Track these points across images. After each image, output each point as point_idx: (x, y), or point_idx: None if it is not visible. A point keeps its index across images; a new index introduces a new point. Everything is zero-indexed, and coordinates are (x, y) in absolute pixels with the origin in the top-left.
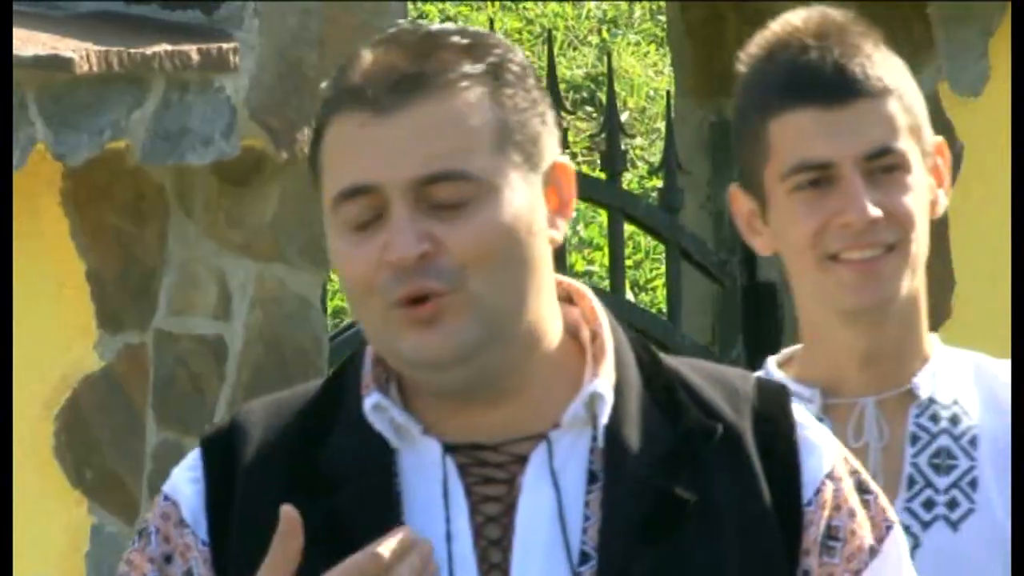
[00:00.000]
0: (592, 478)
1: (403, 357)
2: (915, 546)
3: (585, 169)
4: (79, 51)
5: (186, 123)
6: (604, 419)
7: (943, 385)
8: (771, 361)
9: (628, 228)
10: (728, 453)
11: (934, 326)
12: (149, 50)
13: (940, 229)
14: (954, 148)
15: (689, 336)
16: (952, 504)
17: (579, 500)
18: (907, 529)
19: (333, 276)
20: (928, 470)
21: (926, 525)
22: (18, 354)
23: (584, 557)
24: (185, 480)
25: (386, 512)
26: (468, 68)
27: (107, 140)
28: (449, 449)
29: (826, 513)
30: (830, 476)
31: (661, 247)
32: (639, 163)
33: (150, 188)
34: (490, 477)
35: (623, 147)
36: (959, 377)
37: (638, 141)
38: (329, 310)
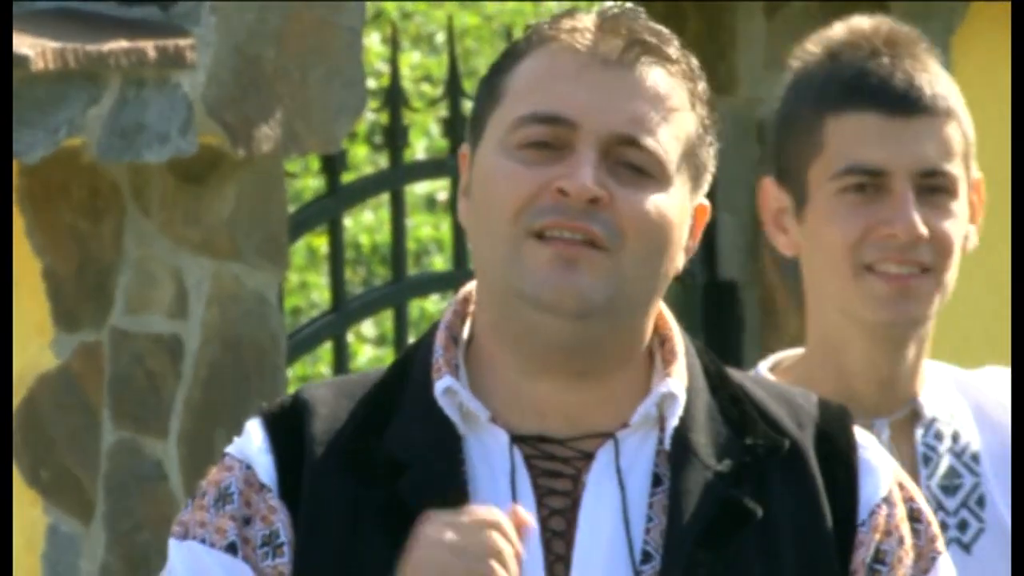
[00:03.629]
0: (656, 480)
1: (526, 291)
2: None
3: None
4: (35, 48)
5: (143, 120)
6: (675, 420)
7: (939, 402)
8: (762, 366)
9: None
10: (791, 469)
11: None
12: (105, 47)
13: None
14: None
15: None
16: (963, 526)
17: (643, 501)
18: None
19: (290, 274)
20: (939, 492)
21: None
22: None
23: (646, 557)
24: (258, 451)
25: (454, 498)
26: (681, 61)
27: (63, 137)
28: (516, 439)
29: (877, 537)
30: (886, 500)
31: None
32: None
33: (106, 186)
34: (556, 471)
35: None
36: (947, 392)
37: None
38: (286, 308)
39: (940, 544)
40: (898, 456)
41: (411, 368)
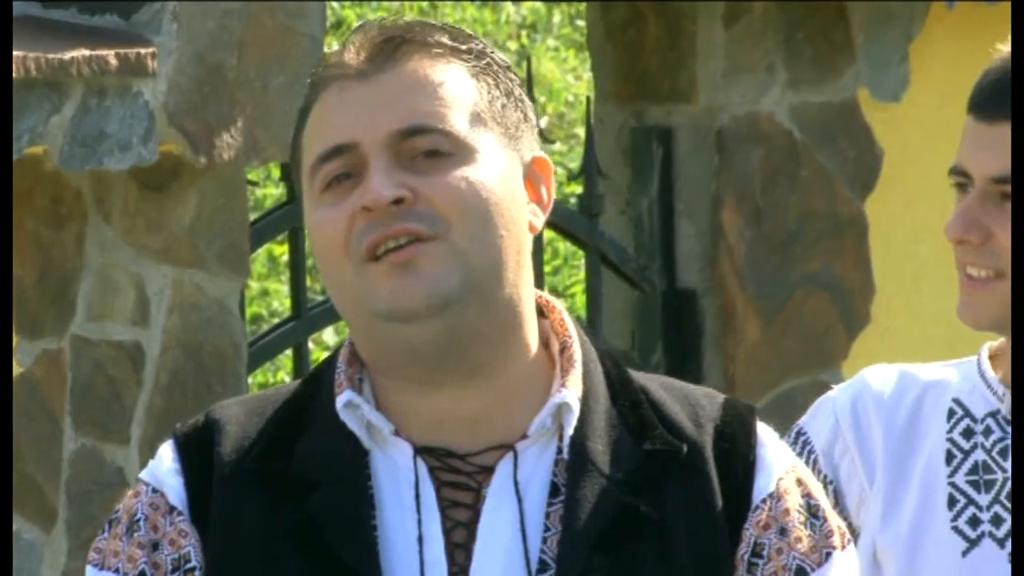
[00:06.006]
0: (555, 490)
1: (380, 311)
2: None
3: None
4: None
5: (104, 128)
6: (570, 430)
7: None
8: (984, 348)
9: (547, 234)
10: (689, 472)
11: (854, 334)
12: (67, 55)
13: (859, 235)
14: (873, 153)
15: (609, 342)
16: None
17: (540, 512)
18: None
19: (251, 282)
20: None
21: None
22: None
23: (543, 566)
24: (167, 472)
25: (361, 514)
26: (448, 42)
27: (25, 145)
28: (420, 451)
29: (756, 532)
30: (771, 495)
31: (580, 253)
32: (558, 169)
33: (68, 193)
34: (459, 483)
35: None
36: None
37: (557, 147)
38: (247, 316)
39: (836, 541)
40: None
41: (320, 385)
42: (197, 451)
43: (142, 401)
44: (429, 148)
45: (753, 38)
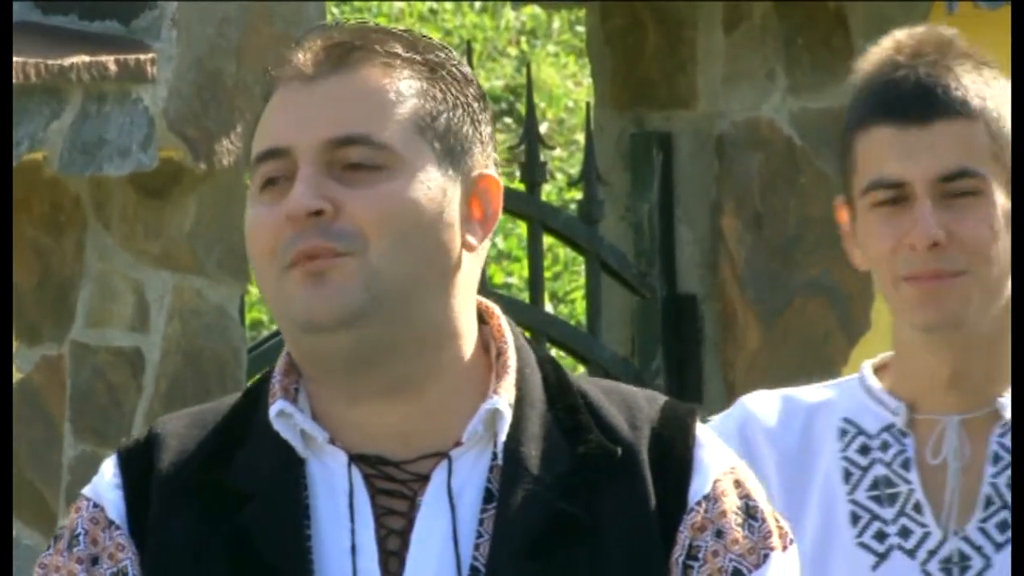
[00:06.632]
0: (489, 496)
1: (292, 317)
2: (986, 567)
3: (504, 180)
4: None
5: (104, 134)
6: (502, 436)
7: None
8: (867, 366)
9: (547, 240)
10: (624, 475)
11: (854, 340)
12: (67, 61)
13: None
14: None
15: (609, 348)
16: None
17: (474, 519)
18: (979, 550)
19: (251, 288)
20: (1005, 491)
21: (999, 547)
22: None
23: (475, 572)
24: (108, 486)
25: (294, 525)
26: (401, 52)
27: (24, 151)
28: (356, 459)
29: (691, 534)
30: (707, 497)
31: (580, 259)
32: (558, 175)
33: (67, 199)
34: (395, 491)
35: (542, 158)
36: None
37: (557, 152)
38: (247, 322)
39: (775, 541)
40: (969, 452)
41: (260, 396)
42: (138, 465)
43: (142, 407)
44: (358, 160)
45: (753, 44)
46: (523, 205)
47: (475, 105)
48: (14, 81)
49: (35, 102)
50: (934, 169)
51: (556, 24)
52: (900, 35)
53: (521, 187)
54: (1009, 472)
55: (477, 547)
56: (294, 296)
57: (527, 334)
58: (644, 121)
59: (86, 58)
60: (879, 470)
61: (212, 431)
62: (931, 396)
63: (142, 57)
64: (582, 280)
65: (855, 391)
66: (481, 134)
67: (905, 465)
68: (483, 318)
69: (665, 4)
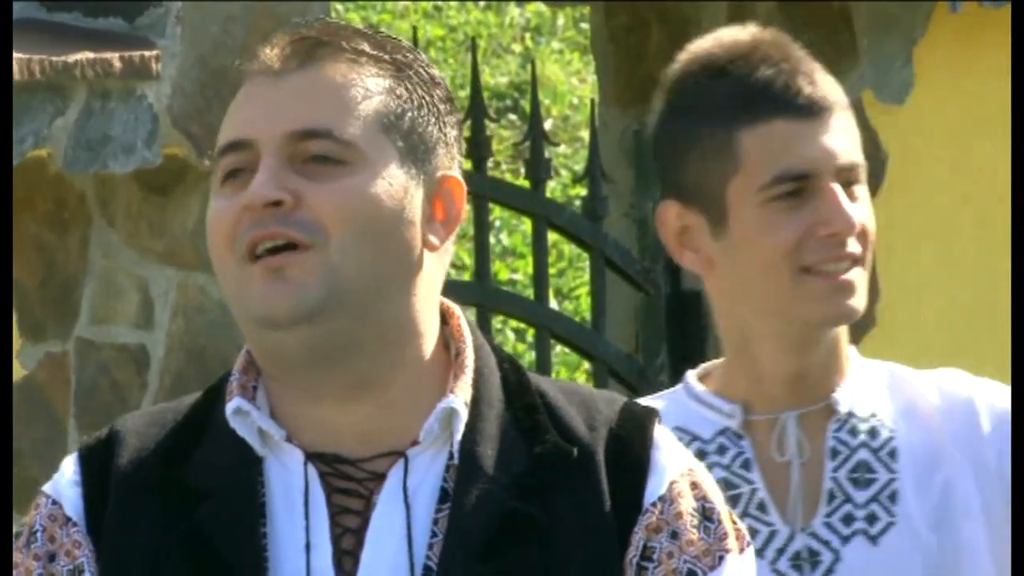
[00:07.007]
0: (444, 496)
1: (251, 313)
2: (835, 560)
3: (509, 177)
4: None
5: (108, 131)
6: (458, 436)
7: (861, 398)
8: (691, 375)
9: (552, 236)
10: (580, 475)
11: (859, 337)
12: (71, 58)
13: None
14: (878, 156)
15: (613, 345)
16: (871, 518)
17: (429, 518)
18: (827, 544)
19: None
20: (847, 484)
21: (845, 540)
22: None
23: (427, 571)
24: (67, 484)
25: (249, 523)
26: (368, 49)
27: (28, 148)
28: (312, 457)
29: (645, 535)
30: (662, 498)
31: (585, 255)
32: (563, 171)
33: (72, 196)
34: (350, 490)
35: (547, 155)
36: (875, 389)
37: (562, 149)
38: None
39: (731, 543)
40: (808, 448)
41: (220, 394)
42: (98, 463)
43: (146, 404)
44: (321, 153)
45: None
46: (527, 201)
47: (441, 107)
48: (18, 78)
49: (39, 99)
50: (837, 159)
51: (560, 21)
52: (738, 34)
53: (526, 183)
54: (848, 465)
55: (431, 547)
56: (253, 292)
57: (531, 330)
58: (648, 118)
59: (90, 55)
60: (718, 473)
61: (171, 429)
62: (766, 395)
63: (146, 54)
64: (586, 276)
65: (682, 400)
66: (446, 135)
67: (746, 466)
68: (444, 318)
69: (669, 3)
